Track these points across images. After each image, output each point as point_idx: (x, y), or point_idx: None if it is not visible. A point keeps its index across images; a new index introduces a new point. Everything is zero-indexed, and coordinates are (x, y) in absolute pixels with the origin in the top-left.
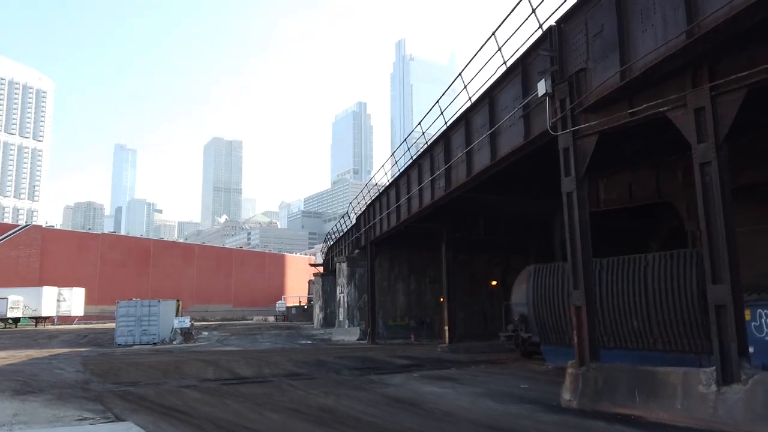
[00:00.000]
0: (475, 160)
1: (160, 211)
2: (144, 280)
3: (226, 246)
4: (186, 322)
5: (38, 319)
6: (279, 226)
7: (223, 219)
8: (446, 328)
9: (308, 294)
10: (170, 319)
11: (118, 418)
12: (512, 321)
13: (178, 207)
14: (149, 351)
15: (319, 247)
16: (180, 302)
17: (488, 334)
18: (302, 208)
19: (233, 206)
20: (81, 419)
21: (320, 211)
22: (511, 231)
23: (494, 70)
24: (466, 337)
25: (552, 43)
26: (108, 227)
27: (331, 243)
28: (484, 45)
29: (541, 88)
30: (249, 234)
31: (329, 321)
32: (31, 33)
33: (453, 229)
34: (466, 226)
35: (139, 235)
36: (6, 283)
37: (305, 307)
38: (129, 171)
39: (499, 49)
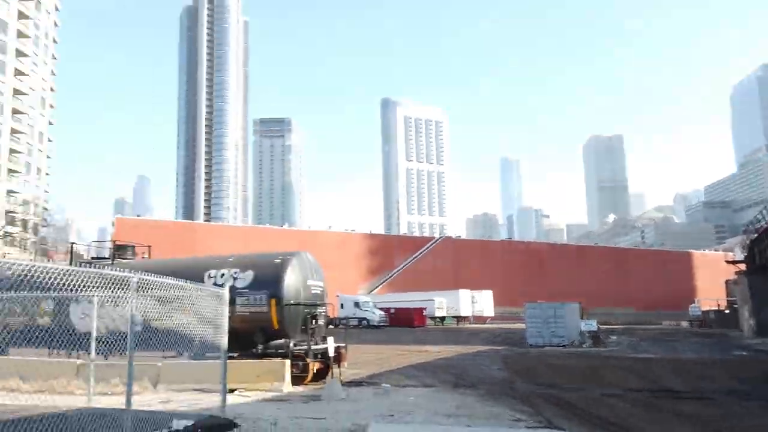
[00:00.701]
0: None
1: (548, 216)
2: (540, 282)
3: (619, 246)
4: (593, 325)
5: (459, 319)
6: (676, 221)
7: (611, 218)
8: None
9: (727, 296)
10: (575, 321)
11: (551, 424)
12: None
13: (563, 210)
14: (561, 353)
15: (735, 241)
16: (582, 305)
17: None
18: (702, 199)
19: (620, 204)
20: (516, 420)
21: (727, 199)
22: None
23: None
24: None
25: None
26: (502, 235)
27: (755, 236)
28: None
29: None
30: (642, 232)
31: (764, 327)
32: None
33: None
34: None
35: (530, 240)
36: (429, 287)
37: (726, 311)
38: (515, 181)
39: None
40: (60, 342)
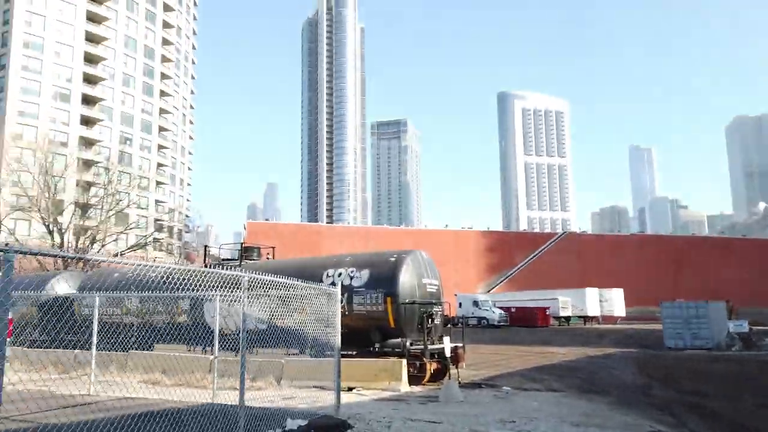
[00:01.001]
0: None
1: (685, 207)
2: (677, 279)
3: None
4: (744, 325)
5: (585, 319)
6: None
7: (761, 207)
8: None
9: None
10: (721, 321)
11: None
12: None
13: (704, 200)
14: (705, 356)
15: None
16: (731, 303)
17: None
18: None
19: None
20: (654, 431)
21: None
22: None
23: None
24: None
25: None
26: (633, 229)
27: None
28: None
29: None
30: None
31: None
32: (541, 62)
33: None
34: None
35: (666, 233)
36: (552, 286)
37: None
38: (646, 170)
39: None
40: (195, 338)
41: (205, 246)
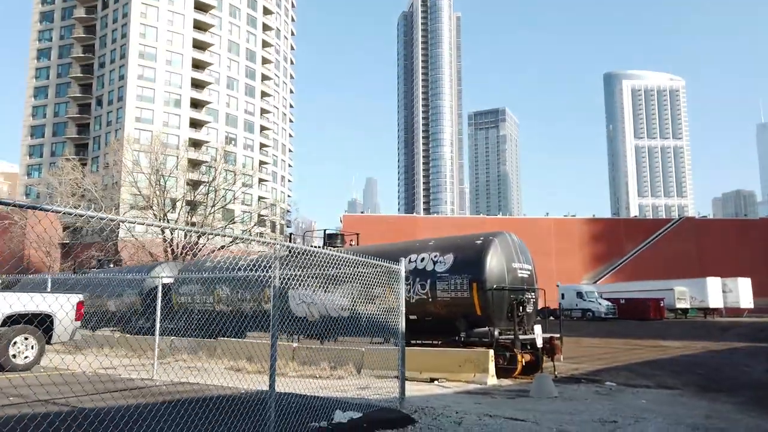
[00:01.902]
0: None
1: None
2: None
3: None
4: None
5: (706, 311)
6: None
7: None
8: None
9: None
10: None
11: None
12: None
13: None
14: None
15: None
16: None
17: None
18: None
19: None
20: None
21: None
22: None
23: None
24: None
25: None
26: (762, 215)
27: None
28: None
29: None
30: None
31: None
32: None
33: None
34: None
35: None
36: (666, 275)
37: None
38: None
39: None
40: (281, 326)
41: (290, 234)
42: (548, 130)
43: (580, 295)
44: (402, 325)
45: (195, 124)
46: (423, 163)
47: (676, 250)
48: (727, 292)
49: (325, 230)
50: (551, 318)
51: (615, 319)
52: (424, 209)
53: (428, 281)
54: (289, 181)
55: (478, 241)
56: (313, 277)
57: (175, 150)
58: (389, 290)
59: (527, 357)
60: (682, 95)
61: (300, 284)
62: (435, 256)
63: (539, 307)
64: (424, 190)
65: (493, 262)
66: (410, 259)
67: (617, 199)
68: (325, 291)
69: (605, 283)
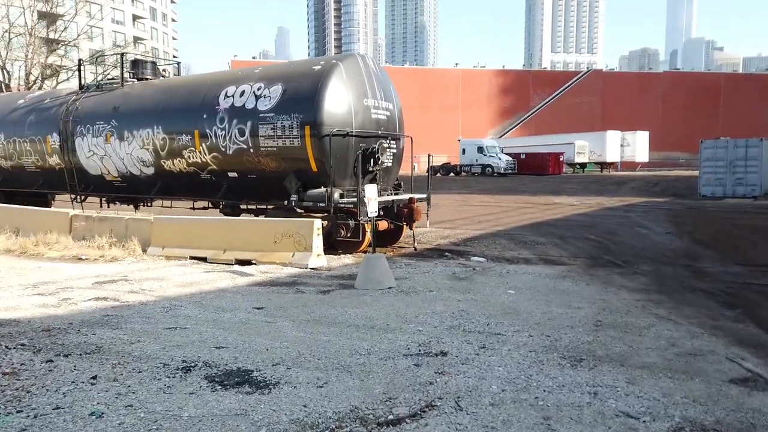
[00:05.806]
0: None
1: (721, 49)
2: (712, 122)
3: None
4: None
5: (602, 165)
6: None
7: None
8: None
9: None
10: None
11: None
12: None
13: (741, 41)
14: (752, 207)
15: None
16: None
17: None
18: None
19: None
20: (746, 370)
21: None
22: None
23: None
24: None
25: None
26: None
27: None
28: None
29: None
30: None
31: None
32: None
33: None
34: None
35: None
36: (570, 129)
37: None
38: (684, 10)
39: None
40: (69, 186)
41: (79, 60)
42: None
43: (480, 150)
44: None
45: None
46: (335, 11)
47: (582, 104)
48: (624, 146)
49: (122, 54)
50: (452, 175)
51: (514, 175)
52: None
53: (248, 124)
54: (173, 20)
55: (317, 67)
56: (103, 118)
57: None
58: (198, 139)
59: (383, 225)
60: None
61: (89, 129)
62: (258, 89)
63: (439, 165)
64: (336, 40)
65: (335, 97)
66: (227, 93)
67: (530, 55)
68: (121, 139)
69: (510, 137)
